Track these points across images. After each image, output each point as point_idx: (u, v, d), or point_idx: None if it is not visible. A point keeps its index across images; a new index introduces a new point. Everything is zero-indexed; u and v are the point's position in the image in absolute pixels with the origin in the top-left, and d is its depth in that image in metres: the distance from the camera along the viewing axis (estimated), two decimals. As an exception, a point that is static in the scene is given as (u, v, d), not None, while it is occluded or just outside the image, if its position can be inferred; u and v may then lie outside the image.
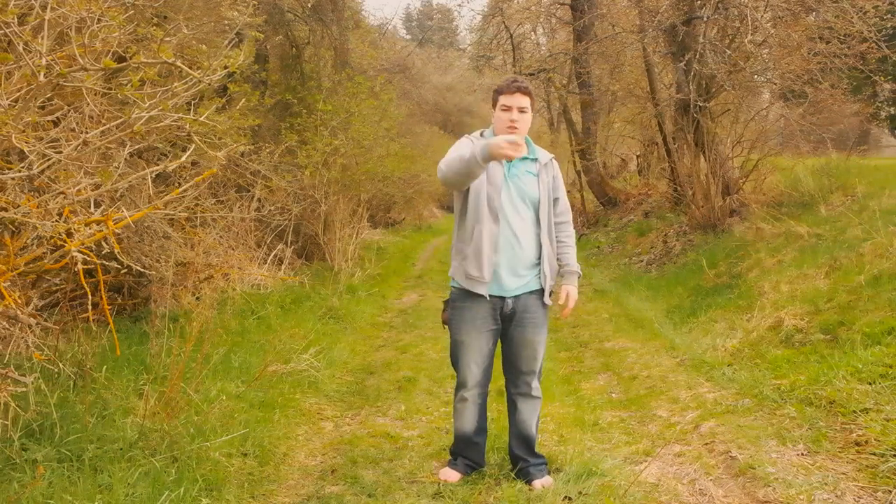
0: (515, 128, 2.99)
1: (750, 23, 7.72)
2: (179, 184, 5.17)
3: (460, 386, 3.18)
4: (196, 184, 4.66)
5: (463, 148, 2.92)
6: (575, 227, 13.34)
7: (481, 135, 3.14)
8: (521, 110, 3.00)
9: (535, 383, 3.18)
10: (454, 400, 3.25)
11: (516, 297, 3.08)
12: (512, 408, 3.22)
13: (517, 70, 13.27)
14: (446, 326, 3.21)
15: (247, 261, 7.27)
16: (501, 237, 3.01)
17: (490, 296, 3.05)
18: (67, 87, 2.92)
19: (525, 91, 3.01)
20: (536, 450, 3.23)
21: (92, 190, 3.13)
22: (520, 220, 3.04)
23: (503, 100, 3.00)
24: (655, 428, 3.94)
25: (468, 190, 3.03)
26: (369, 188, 11.56)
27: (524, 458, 3.18)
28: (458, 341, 3.13)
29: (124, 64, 3.14)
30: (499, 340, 3.21)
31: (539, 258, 3.08)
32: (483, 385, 3.18)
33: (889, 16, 8.18)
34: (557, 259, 3.17)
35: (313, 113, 8.54)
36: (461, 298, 3.11)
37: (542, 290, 3.11)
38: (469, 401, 3.17)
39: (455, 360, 3.18)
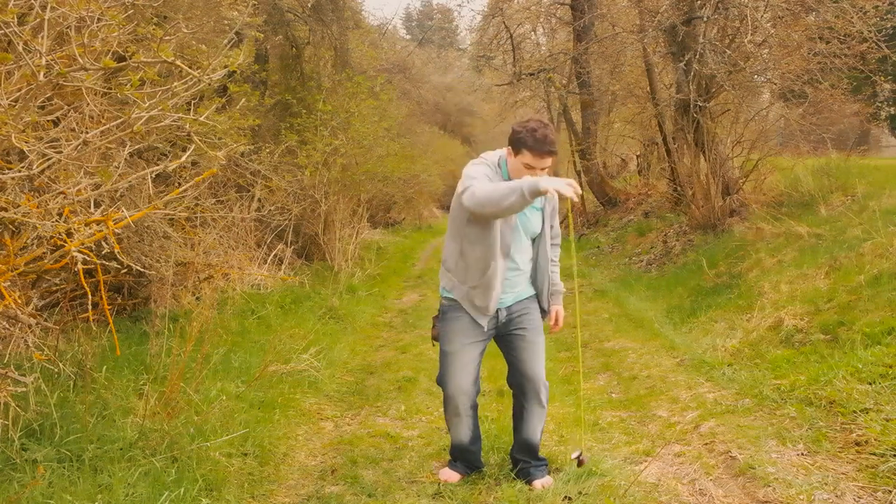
0: None
1: (750, 23, 7.72)
2: (179, 184, 5.17)
3: (451, 398, 3.10)
4: (196, 184, 4.66)
5: (504, 185, 2.72)
6: (575, 227, 13.22)
7: (498, 164, 3.00)
8: (543, 169, 2.87)
9: (543, 392, 3.12)
10: (445, 413, 3.18)
11: (509, 305, 3.08)
12: (518, 418, 3.18)
13: (517, 70, 13.27)
14: (435, 343, 3.16)
15: (247, 261, 7.27)
16: (509, 272, 3.02)
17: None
18: (67, 86, 2.92)
19: (554, 153, 2.88)
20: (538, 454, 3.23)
21: (92, 190, 3.13)
22: (522, 252, 3.06)
23: (530, 160, 2.83)
24: (655, 428, 3.94)
25: (484, 225, 2.92)
26: (369, 188, 11.55)
27: (525, 460, 3.17)
28: (449, 352, 3.06)
29: (124, 64, 3.14)
30: (499, 352, 3.21)
31: (532, 276, 3.14)
32: (474, 396, 3.13)
33: (889, 16, 8.18)
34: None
35: (313, 113, 8.54)
36: (454, 309, 3.07)
37: (535, 296, 3.15)
38: (462, 414, 3.12)
39: (443, 373, 3.10)
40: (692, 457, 3.45)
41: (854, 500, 2.87)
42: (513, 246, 3.00)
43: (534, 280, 3.14)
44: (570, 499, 2.94)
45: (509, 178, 2.93)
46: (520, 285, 3.10)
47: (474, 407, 3.17)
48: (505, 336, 3.12)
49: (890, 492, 2.86)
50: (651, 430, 3.91)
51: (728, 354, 5.00)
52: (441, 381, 3.12)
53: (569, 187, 2.56)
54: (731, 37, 8.73)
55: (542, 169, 2.85)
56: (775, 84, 9.25)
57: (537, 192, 2.58)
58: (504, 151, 2.98)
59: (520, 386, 3.15)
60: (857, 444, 3.28)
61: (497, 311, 3.06)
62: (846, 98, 9.28)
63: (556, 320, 3.22)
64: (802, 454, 3.33)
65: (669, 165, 10.48)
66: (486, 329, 3.05)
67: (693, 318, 6.22)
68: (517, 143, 2.86)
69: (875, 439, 3.25)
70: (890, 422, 3.34)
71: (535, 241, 3.10)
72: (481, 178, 2.85)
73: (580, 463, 3.08)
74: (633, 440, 3.75)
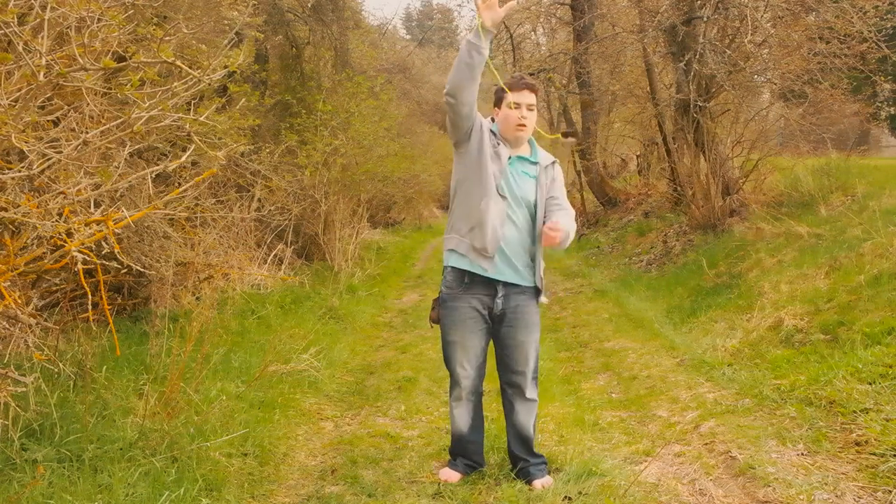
0: (524, 126, 3.00)
1: (750, 23, 7.72)
2: (179, 184, 5.17)
3: (454, 386, 3.18)
4: (196, 184, 4.66)
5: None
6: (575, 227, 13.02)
7: (492, 120, 3.11)
8: (529, 108, 3.00)
9: (530, 385, 3.15)
10: (449, 400, 3.25)
11: (506, 293, 3.05)
12: (508, 409, 3.20)
13: (517, 70, 13.27)
14: (433, 326, 3.21)
15: (247, 261, 7.27)
16: (507, 216, 3.00)
17: (484, 276, 3.02)
18: (67, 86, 2.92)
19: (533, 88, 3.02)
20: (535, 449, 3.23)
21: (92, 190, 3.13)
22: (518, 212, 3.03)
23: (512, 97, 2.97)
24: (655, 428, 3.94)
25: (475, 162, 2.97)
26: (369, 188, 11.56)
27: (524, 458, 3.17)
28: (450, 341, 3.11)
29: (124, 64, 3.14)
30: (492, 342, 3.20)
31: (533, 257, 3.08)
32: (476, 385, 3.17)
33: (889, 16, 8.18)
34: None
35: (313, 113, 8.54)
36: (453, 298, 3.09)
37: (534, 289, 3.11)
38: (463, 400, 3.17)
39: (448, 359, 3.17)
40: (692, 457, 3.45)
41: (854, 500, 2.87)
42: (507, 192, 2.99)
43: (532, 262, 3.08)
44: (570, 499, 2.94)
45: (501, 136, 3.03)
46: (518, 252, 3.03)
47: (477, 394, 3.19)
48: (498, 328, 3.12)
49: (890, 492, 2.86)
50: (651, 430, 3.91)
51: (728, 354, 5.00)
52: (447, 366, 3.18)
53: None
54: (731, 37, 8.73)
55: (529, 107, 2.99)
56: (775, 84, 9.25)
57: (478, 31, 2.75)
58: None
59: (507, 379, 3.17)
60: (857, 444, 3.28)
61: (494, 300, 3.04)
62: (846, 98, 9.28)
63: (553, 228, 2.88)
64: (802, 454, 3.33)
65: (669, 165, 10.48)
66: (481, 311, 3.04)
67: (693, 318, 6.22)
68: (499, 93, 3.03)
69: (875, 439, 3.25)
70: (890, 422, 3.34)
71: (533, 213, 3.05)
72: None
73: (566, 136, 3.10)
74: (633, 440, 3.75)
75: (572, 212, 3.17)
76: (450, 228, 3.13)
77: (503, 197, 2.99)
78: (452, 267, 3.08)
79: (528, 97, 2.99)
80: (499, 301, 3.06)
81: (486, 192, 2.96)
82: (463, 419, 3.20)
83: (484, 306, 3.07)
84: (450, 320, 3.10)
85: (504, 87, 3.02)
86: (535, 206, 3.06)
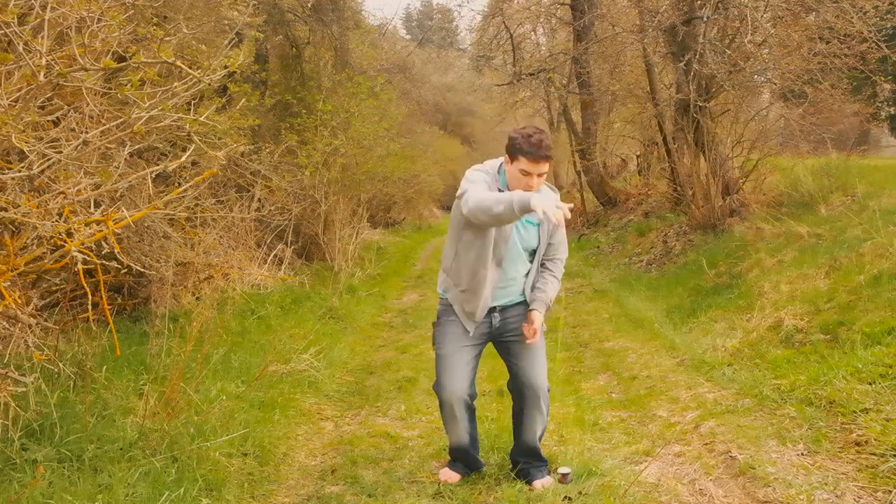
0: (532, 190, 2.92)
1: (750, 23, 7.72)
2: (179, 184, 5.17)
3: (445, 403, 3.08)
4: (196, 184, 4.65)
5: (497, 195, 2.73)
6: (575, 227, 13.10)
7: (498, 172, 2.99)
8: (540, 175, 2.86)
9: (543, 399, 3.09)
10: (442, 415, 3.17)
11: (503, 308, 3.06)
12: (517, 422, 3.17)
13: (517, 70, 13.27)
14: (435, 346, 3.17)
15: (247, 261, 7.28)
16: (500, 280, 3.01)
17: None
18: (67, 87, 2.92)
19: (550, 158, 2.88)
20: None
21: (92, 190, 3.13)
22: (517, 264, 3.03)
23: (526, 165, 2.82)
24: (655, 428, 3.94)
25: (481, 230, 2.93)
26: (369, 188, 11.56)
27: (525, 461, 3.17)
28: (442, 355, 3.07)
29: (124, 64, 3.15)
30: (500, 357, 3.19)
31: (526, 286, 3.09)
32: (469, 399, 3.10)
33: (889, 16, 8.18)
34: (535, 285, 3.08)
35: (313, 113, 8.54)
36: (447, 313, 3.09)
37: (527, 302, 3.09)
38: (458, 416, 3.10)
39: (437, 377, 3.09)
40: (692, 457, 3.45)
41: (854, 500, 2.87)
42: (506, 257, 2.98)
43: (526, 280, 3.09)
44: (570, 499, 2.94)
45: (507, 187, 2.92)
46: (514, 294, 3.08)
47: (470, 409, 3.14)
48: (502, 342, 3.12)
49: (890, 492, 2.86)
50: (651, 430, 3.91)
51: (728, 354, 4.99)
52: (435, 385, 3.11)
53: (556, 210, 2.51)
54: (731, 37, 8.74)
55: (539, 175, 2.84)
56: (775, 84, 9.25)
57: (526, 209, 2.57)
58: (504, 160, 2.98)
59: (518, 392, 3.14)
60: (857, 444, 3.28)
61: (491, 316, 3.05)
62: (846, 98, 9.29)
63: (532, 324, 3.00)
64: (802, 454, 3.33)
65: (669, 165, 10.48)
66: (473, 334, 3.04)
67: (693, 318, 6.22)
68: (513, 149, 2.85)
69: (875, 439, 3.25)
70: (890, 422, 3.34)
71: (534, 254, 3.07)
72: (479, 183, 2.85)
73: (563, 479, 3.08)
74: (633, 440, 3.75)
75: (561, 269, 3.14)
76: (444, 268, 3.11)
77: (499, 264, 2.98)
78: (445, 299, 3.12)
79: (542, 167, 2.84)
80: (496, 315, 3.07)
81: (485, 263, 2.94)
82: (461, 435, 3.15)
83: (481, 322, 3.06)
84: (442, 333, 3.09)
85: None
86: (536, 250, 3.06)
